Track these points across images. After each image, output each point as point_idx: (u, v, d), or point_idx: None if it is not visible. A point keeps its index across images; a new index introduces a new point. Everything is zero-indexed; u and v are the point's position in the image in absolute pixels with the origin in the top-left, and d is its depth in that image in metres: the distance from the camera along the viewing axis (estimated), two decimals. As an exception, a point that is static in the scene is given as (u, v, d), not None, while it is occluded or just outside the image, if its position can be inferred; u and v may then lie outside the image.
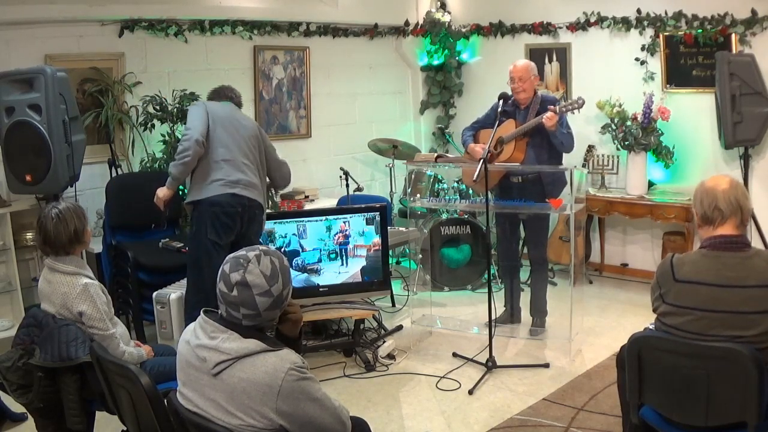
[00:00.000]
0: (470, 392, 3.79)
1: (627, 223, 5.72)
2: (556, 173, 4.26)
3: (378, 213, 4.37)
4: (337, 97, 6.30)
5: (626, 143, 5.31)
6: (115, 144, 4.78)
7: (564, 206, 4.15)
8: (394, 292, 5.21)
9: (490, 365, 4.02)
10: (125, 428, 2.50)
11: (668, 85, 5.33)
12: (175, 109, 4.74)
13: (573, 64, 5.90)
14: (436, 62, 6.69)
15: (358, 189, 5.49)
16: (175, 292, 4.07)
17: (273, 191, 5.00)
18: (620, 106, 5.38)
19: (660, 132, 5.24)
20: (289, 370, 1.84)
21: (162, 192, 3.81)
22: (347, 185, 5.33)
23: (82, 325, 2.72)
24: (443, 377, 4.00)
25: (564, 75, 5.96)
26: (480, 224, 5.43)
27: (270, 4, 5.70)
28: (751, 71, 4.63)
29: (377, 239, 4.36)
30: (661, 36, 5.29)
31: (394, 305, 5.20)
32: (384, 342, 4.32)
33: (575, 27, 5.79)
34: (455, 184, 5.73)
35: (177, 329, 4.00)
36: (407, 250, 6.11)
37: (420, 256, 5.59)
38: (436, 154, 5.20)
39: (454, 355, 4.28)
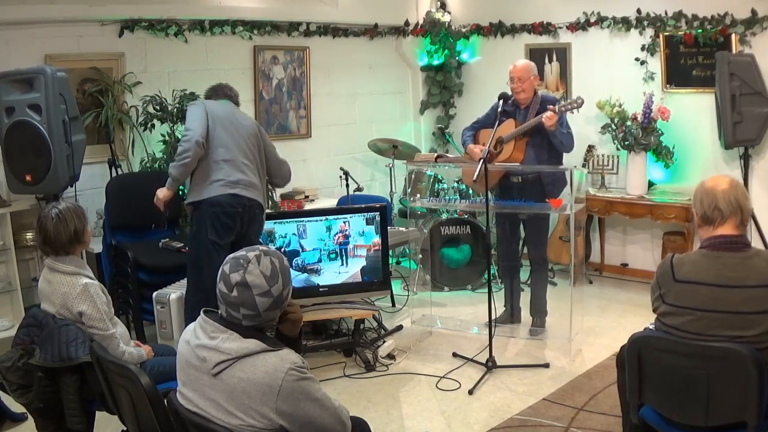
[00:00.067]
0: (470, 392, 3.79)
1: (627, 223, 5.72)
2: (556, 173, 4.26)
3: (378, 213, 4.37)
4: (337, 97, 6.30)
5: (626, 143, 5.31)
6: (115, 144, 4.78)
7: (564, 206, 4.15)
8: (394, 292, 5.21)
9: (490, 365, 4.02)
10: (125, 428, 2.50)
11: (668, 85, 5.33)
12: (175, 109, 4.74)
13: (573, 64, 5.90)
14: (436, 62, 6.69)
15: (358, 189, 5.49)
16: (175, 292, 4.07)
17: (272, 190, 5.01)
18: (620, 106, 5.38)
19: (660, 132, 5.24)
20: (289, 370, 1.84)
21: (162, 193, 3.81)
22: (347, 185, 5.33)
23: (82, 325, 2.72)
24: (443, 377, 4.00)
25: (564, 75, 5.96)
26: (480, 224, 5.43)
27: (270, 4, 5.70)
28: (751, 71, 4.63)
29: (377, 239, 4.36)
30: (661, 36, 5.29)
31: (394, 305, 5.20)
32: (384, 342, 4.32)
33: (575, 27, 5.79)
34: (455, 184, 5.73)
35: (177, 329, 4.00)
36: (407, 250, 6.11)
37: (420, 256, 5.59)
38: (436, 154, 5.20)
39: (454, 355, 4.28)
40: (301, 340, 2.21)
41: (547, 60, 6.02)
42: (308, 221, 4.30)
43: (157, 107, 4.75)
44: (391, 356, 4.25)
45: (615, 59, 5.59)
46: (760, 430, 2.21)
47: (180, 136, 4.00)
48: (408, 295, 5.22)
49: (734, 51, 4.89)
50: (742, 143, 4.77)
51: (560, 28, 5.90)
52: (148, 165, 4.83)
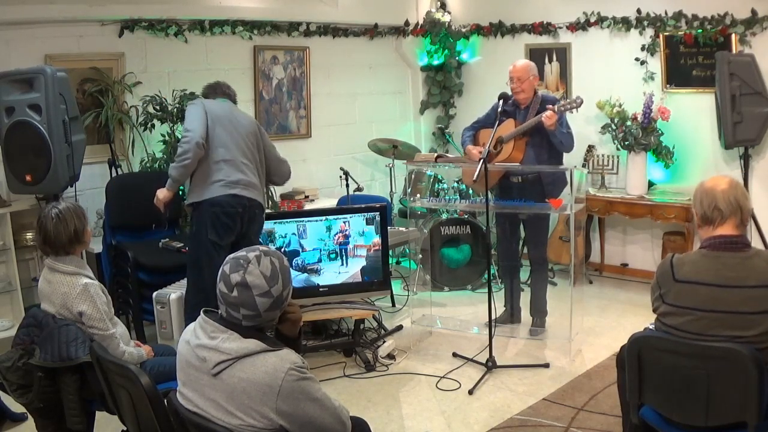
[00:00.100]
0: (470, 392, 3.79)
1: (627, 223, 5.72)
2: (556, 173, 4.26)
3: (378, 213, 4.37)
4: (337, 97, 6.30)
5: (626, 143, 5.31)
6: (115, 144, 4.78)
7: (564, 206, 4.15)
8: (394, 292, 5.21)
9: (490, 365, 4.02)
10: (125, 428, 2.50)
11: (668, 85, 5.33)
12: (175, 109, 4.74)
13: (573, 64, 5.90)
14: (436, 62, 6.69)
15: (358, 189, 5.49)
16: (175, 292, 4.07)
17: (272, 189, 5.01)
18: (620, 106, 5.38)
19: (660, 132, 5.24)
20: (289, 370, 1.84)
21: (162, 194, 3.80)
22: (347, 185, 5.33)
23: (82, 325, 2.72)
24: (443, 377, 4.00)
25: (564, 75, 5.96)
26: (480, 224, 5.43)
27: (270, 4, 5.70)
28: (751, 71, 4.63)
29: (377, 239, 4.36)
30: (661, 36, 5.29)
31: (394, 305, 5.20)
32: (384, 342, 4.32)
33: (575, 27, 5.79)
34: (455, 184, 5.73)
35: (177, 329, 4.00)
36: (407, 250, 6.11)
37: (420, 256, 5.59)
38: (436, 154, 5.21)
39: (454, 355, 4.28)
40: (300, 340, 2.21)
41: (547, 60, 6.02)
42: (308, 221, 4.30)
43: (157, 107, 4.75)
44: (391, 356, 4.25)
45: (615, 59, 5.59)
46: (760, 430, 2.21)
47: (180, 136, 3.99)
48: (408, 295, 5.22)
49: (734, 51, 4.89)
50: (742, 143, 4.77)
51: (560, 28, 5.90)
52: (148, 165, 4.83)
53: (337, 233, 4.32)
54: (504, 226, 4.58)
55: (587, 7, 5.67)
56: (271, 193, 5.20)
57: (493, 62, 6.30)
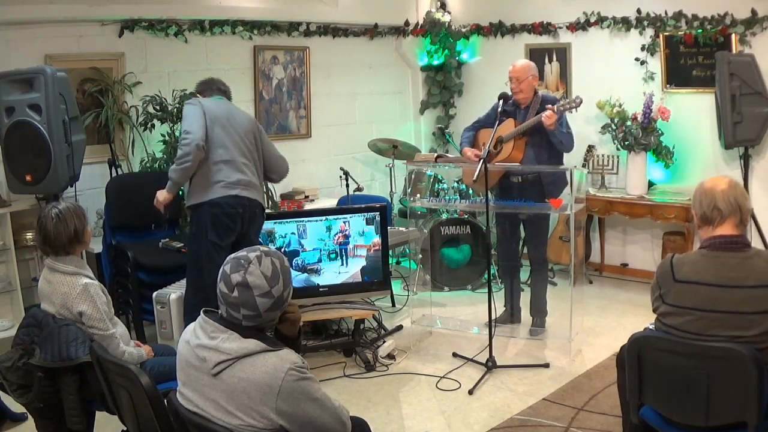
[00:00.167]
0: (470, 392, 3.79)
1: (627, 223, 5.72)
2: (556, 173, 4.26)
3: (378, 213, 4.37)
4: (337, 97, 6.30)
5: (626, 143, 5.31)
6: (115, 144, 4.78)
7: (564, 206, 4.15)
8: (394, 292, 5.21)
9: (490, 365, 4.02)
10: (125, 428, 2.50)
11: (668, 85, 5.33)
12: (175, 109, 4.74)
13: (573, 64, 5.90)
14: (436, 62, 6.69)
15: (358, 189, 5.50)
16: (175, 292, 4.07)
17: (272, 189, 5.00)
18: (620, 106, 5.38)
19: (660, 132, 5.24)
20: (289, 370, 1.84)
21: (162, 196, 3.77)
22: (347, 185, 5.33)
23: (82, 325, 2.72)
24: (443, 377, 4.00)
25: (564, 75, 5.96)
26: (480, 224, 5.43)
27: (270, 4, 5.70)
28: (751, 71, 4.63)
29: (377, 239, 4.36)
30: (661, 36, 5.29)
31: (394, 305, 5.20)
32: (384, 342, 4.32)
33: (575, 27, 5.79)
34: (455, 184, 5.73)
35: (177, 329, 4.00)
36: (407, 250, 6.11)
37: (420, 256, 5.59)
38: (436, 154, 5.21)
39: (454, 355, 4.28)
40: (300, 340, 2.21)
41: (547, 60, 6.02)
42: (308, 221, 4.30)
43: (157, 107, 4.76)
44: (391, 356, 4.25)
45: (615, 59, 5.59)
46: (760, 430, 2.21)
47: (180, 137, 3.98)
48: (408, 295, 5.22)
49: (734, 51, 4.89)
50: (742, 143, 4.77)
51: (560, 28, 5.90)
52: (148, 165, 4.83)
53: (337, 233, 4.32)
54: (504, 226, 4.58)
55: (587, 7, 5.67)
56: (271, 193, 5.20)
57: (493, 62, 6.30)
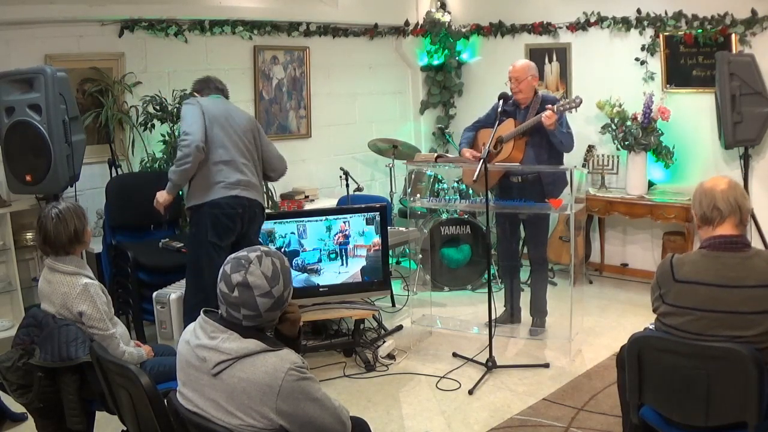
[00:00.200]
0: (470, 392, 3.79)
1: (627, 223, 5.72)
2: (556, 173, 4.26)
3: (378, 213, 4.37)
4: (337, 97, 6.30)
5: (626, 143, 5.31)
6: (115, 144, 4.78)
7: (564, 206, 4.15)
8: (394, 292, 5.21)
9: (490, 365, 4.02)
10: (125, 428, 2.50)
11: (668, 85, 5.33)
12: (175, 109, 4.73)
13: (573, 64, 5.90)
14: (436, 62, 6.69)
15: (358, 189, 5.50)
16: (175, 292, 4.07)
17: (272, 189, 4.99)
18: (620, 106, 5.38)
19: (660, 132, 5.24)
20: (289, 370, 1.84)
21: (162, 197, 3.76)
22: (347, 185, 5.33)
23: (82, 325, 2.72)
24: (443, 377, 4.00)
25: (564, 75, 5.96)
26: (480, 224, 5.43)
27: (270, 4, 5.70)
28: (751, 71, 4.63)
29: (377, 239, 4.36)
30: (661, 36, 5.29)
31: (394, 305, 5.20)
32: (384, 342, 4.32)
33: (575, 27, 5.79)
34: (455, 184, 5.73)
35: (177, 329, 4.00)
36: (407, 250, 6.11)
37: (420, 256, 5.59)
38: (436, 154, 5.20)
39: (454, 355, 4.28)
40: (300, 340, 2.21)
41: (547, 60, 6.02)
42: (308, 221, 4.30)
43: (157, 107, 4.76)
44: (391, 356, 4.25)
45: (615, 59, 5.59)
46: (760, 430, 2.21)
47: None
48: (408, 295, 5.22)
49: (734, 51, 4.89)
50: (742, 143, 4.77)
51: (560, 28, 5.90)
52: (148, 165, 4.83)
53: (337, 233, 4.32)
54: (504, 226, 4.58)
55: (587, 7, 5.67)
56: (271, 193, 5.20)
57: (493, 62, 6.30)
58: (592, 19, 5.66)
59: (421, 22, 6.65)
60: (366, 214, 4.36)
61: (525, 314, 4.69)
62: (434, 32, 6.57)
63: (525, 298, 4.72)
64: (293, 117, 6.02)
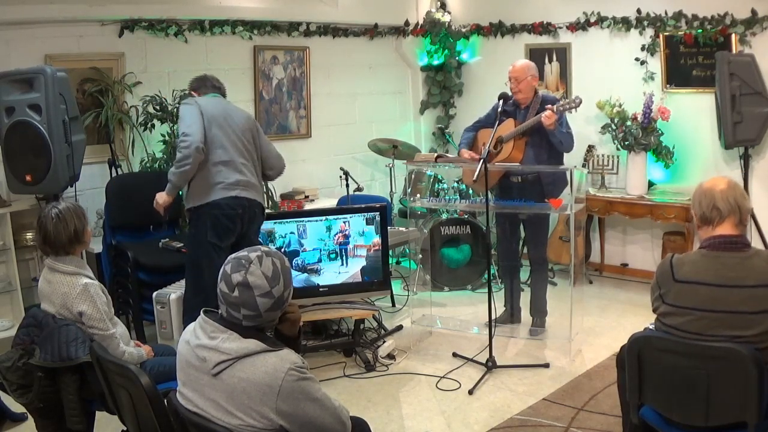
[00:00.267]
0: (470, 392, 3.79)
1: (627, 223, 5.72)
2: (556, 173, 4.26)
3: (378, 213, 4.37)
4: (337, 97, 6.30)
5: (626, 143, 5.31)
6: (115, 144, 4.78)
7: (564, 206, 4.15)
8: (394, 292, 5.21)
9: (490, 365, 4.02)
10: (125, 428, 2.50)
11: (668, 85, 5.33)
12: (175, 109, 4.73)
13: (573, 64, 5.90)
14: (436, 62, 6.69)
15: (358, 189, 5.50)
16: (175, 292, 4.07)
17: (272, 189, 4.99)
18: (620, 106, 5.38)
19: (660, 132, 5.24)
20: (289, 371, 1.84)
21: (162, 198, 3.75)
22: (347, 185, 5.33)
23: (82, 325, 2.72)
24: (443, 377, 4.00)
25: (564, 75, 5.96)
26: (480, 224, 5.43)
27: (270, 4, 5.70)
28: (751, 71, 4.63)
29: (377, 239, 4.36)
30: (661, 36, 5.29)
31: (394, 305, 5.20)
32: (384, 342, 4.32)
33: (575, 27, 5.79)
34: (455, 184, 5.73)
35: (177, 329, 4.00)
36: (407, 250, 6.11)
37: (420, 256, 5.59)
38: (436, 154, 5.19)
39: (454, 355, 4.28)
40: (300, 340, 2.21)
41: (547, 60, 6.02)
42: (308, 221, 4.30)
43: (157, 107, 4.76)
44: (391, 356, 4.25)
45: (615, 59, 5.59)
46: (760, 430, 2.21)
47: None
48: (408, 295, 5.22)
49: (734, 51, 4.89)
50: (742, 143, 4.77)
51: (560, 28, 5.90)
52: (148, 165, 4.83)
53: (337, 233, 4.32)
54: (504, 226, 4.58)
55: (587, 7, 5.67)
56: (271, 193, 5.20)
57: (493, 62, 6.30)
58: (592, 19, 5.66)
59: (421, 22, 6.65)
60: (366, 214, 4.36)
61: (525, 314, 4.69)
62: (434, 32, 6.57)
63: (525, 298, 4.72)
64: (293, 117, 6.02)
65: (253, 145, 3.88)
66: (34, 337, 2.74)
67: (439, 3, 6.66)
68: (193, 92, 3.94)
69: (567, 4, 5.80)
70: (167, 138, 4.78)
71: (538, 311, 4.58)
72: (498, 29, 6.30)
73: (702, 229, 2.43)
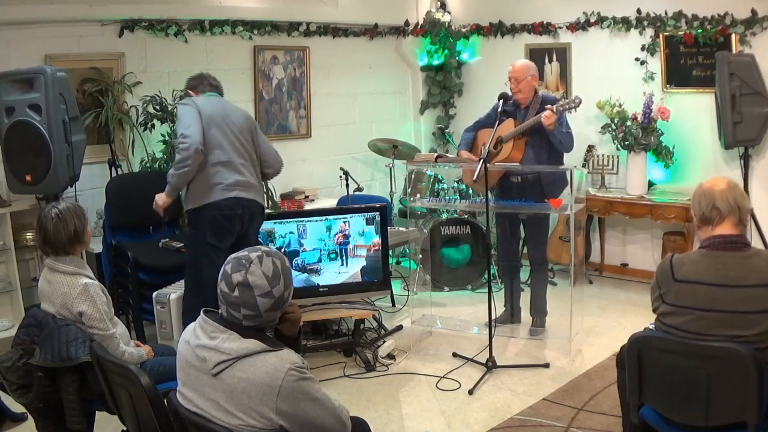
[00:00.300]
0: (470, 392, 3.79)
1: (627, 223, 5.72)
2: (556, 173, 4.26)
3: (378, 213, 4.37)
4: (337, 97, 6.30)
5: (626, 143, 5.31)
6: (115, 144, 4.78)
7: (564, 206, 4.15)
8: (394, 292, 5.21)
9: (490, 365, 4.02)
10: (125, 428, 2.50)
11: (668, 85, 5.33)
12: (175, 109, 4.72)
13: (573, 64, 5.90)
14: (436, 62, 6.69)
15: (358, 189, 5.50)
16: (175, 292, 4.07)
17: (272, 189, 4.99)
18: (620, 106, 5.38)
19: (660, 132, 5.24)
20: (289, 371, 1.84)
21: (161, 200, 3.75)
22: (347, 185, 5.33)
23: (82, 325, 2.72)
24: (443, 377, 4.00)
25: (564, 75, 5.96)
26: (480, 224, 5.43)
27: (270, 4, 5.70)
28: (751, 71, 4.63)
29: (377, 239, 4.36)
30: (661, 36, 5.29)
31: (394, 305, 5.20)
32: (384, 342, 4.32)
33: (575, 27, 5.79)
34: (455, 184, 5.73)
35: (177, 329, 4.00)
36: (407, 250, 6.11)
37: (420, 256, 5.59)
38: (436, 154, 5.19)
39: (454, 355, 4.28)
40: (300, 340, 2.21)
41: (547, 60, 6.02)
42: (308, 221, 4.30)
43: (157, 107, 4.76)
44: (391, 356, 4.25)
45: (615, 59, 5.59)
46: (760, 430, 2.21)
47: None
48: (408, 295, 5.22)
49: (734, 51, 4.89)
50: (742, 143, 4.77)
51: (560, 28, 5.90)
52: (148, 165, 4.83)
53: (337, 233, 4.32)
54: (504, 226, 4.58)
55: (587, 7, 5.67)
56: (271, 193, 5.20)
57: (493, 62, 6.30)
58: (592, 19, 5.66)
59: (421, 22, 6.65)
60: (366, 214, 4.36)
61: (525, 314, 4.69)
62: (434, 32, 6.57)
63: (525, 298, 4.72)
64: (293, 117, 6.02)
65: (252, 145, 3.87)
66: (34, 337, 2.74)
67: (439, 3, 6.66)
68: (190, 91, 3.93)
69: (567, 4, 5.80)
70: (167, 138, 4.78)
71: (538, 311, 4.58)
72: (498, 29, 6.30)
73: (702, 229, 2.43)
